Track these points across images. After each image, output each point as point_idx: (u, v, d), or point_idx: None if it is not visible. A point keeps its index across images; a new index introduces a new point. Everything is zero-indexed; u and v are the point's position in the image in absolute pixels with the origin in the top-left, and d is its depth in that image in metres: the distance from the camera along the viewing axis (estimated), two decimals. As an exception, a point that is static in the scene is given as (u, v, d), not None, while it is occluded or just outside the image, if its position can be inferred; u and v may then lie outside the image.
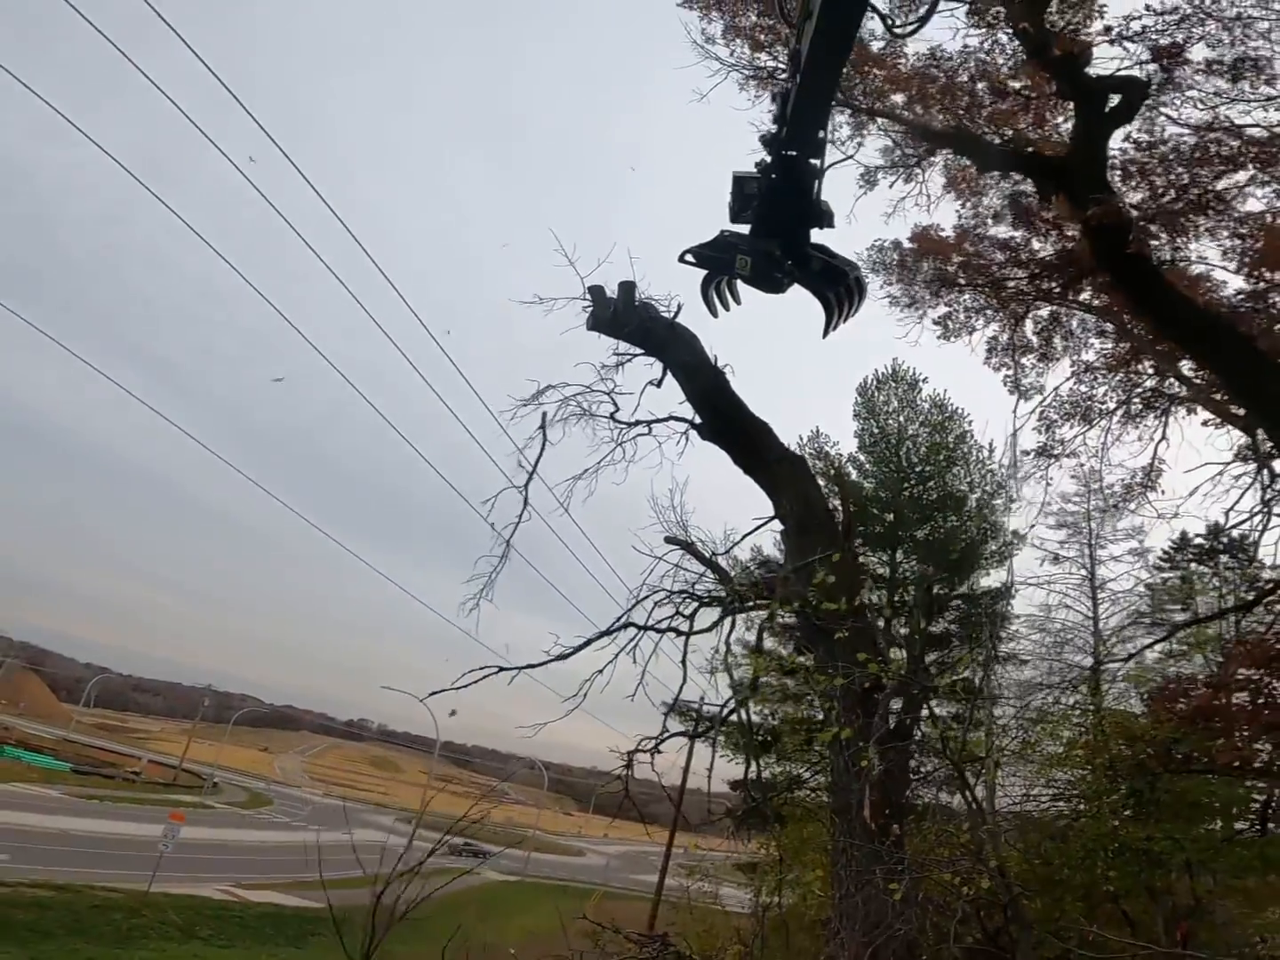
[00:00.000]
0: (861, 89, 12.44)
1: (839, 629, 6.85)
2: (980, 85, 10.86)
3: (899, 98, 12.31)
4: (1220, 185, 10.13)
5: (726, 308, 5.55)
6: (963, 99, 10.85)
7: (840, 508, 10.45)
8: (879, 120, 13.01)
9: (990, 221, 13.94)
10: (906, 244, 14.81)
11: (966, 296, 15.01)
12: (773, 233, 4.39)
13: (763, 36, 13.45)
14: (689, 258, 5.06)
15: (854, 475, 26.26)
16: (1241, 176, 9.71)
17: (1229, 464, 12.25)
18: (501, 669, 8.93)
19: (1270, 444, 10.59)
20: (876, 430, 26.52)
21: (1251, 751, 9.26)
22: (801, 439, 25.31)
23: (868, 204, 13.77)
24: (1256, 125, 10.00)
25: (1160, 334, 10.95)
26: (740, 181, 4.23)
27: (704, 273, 5.28)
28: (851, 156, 13.19)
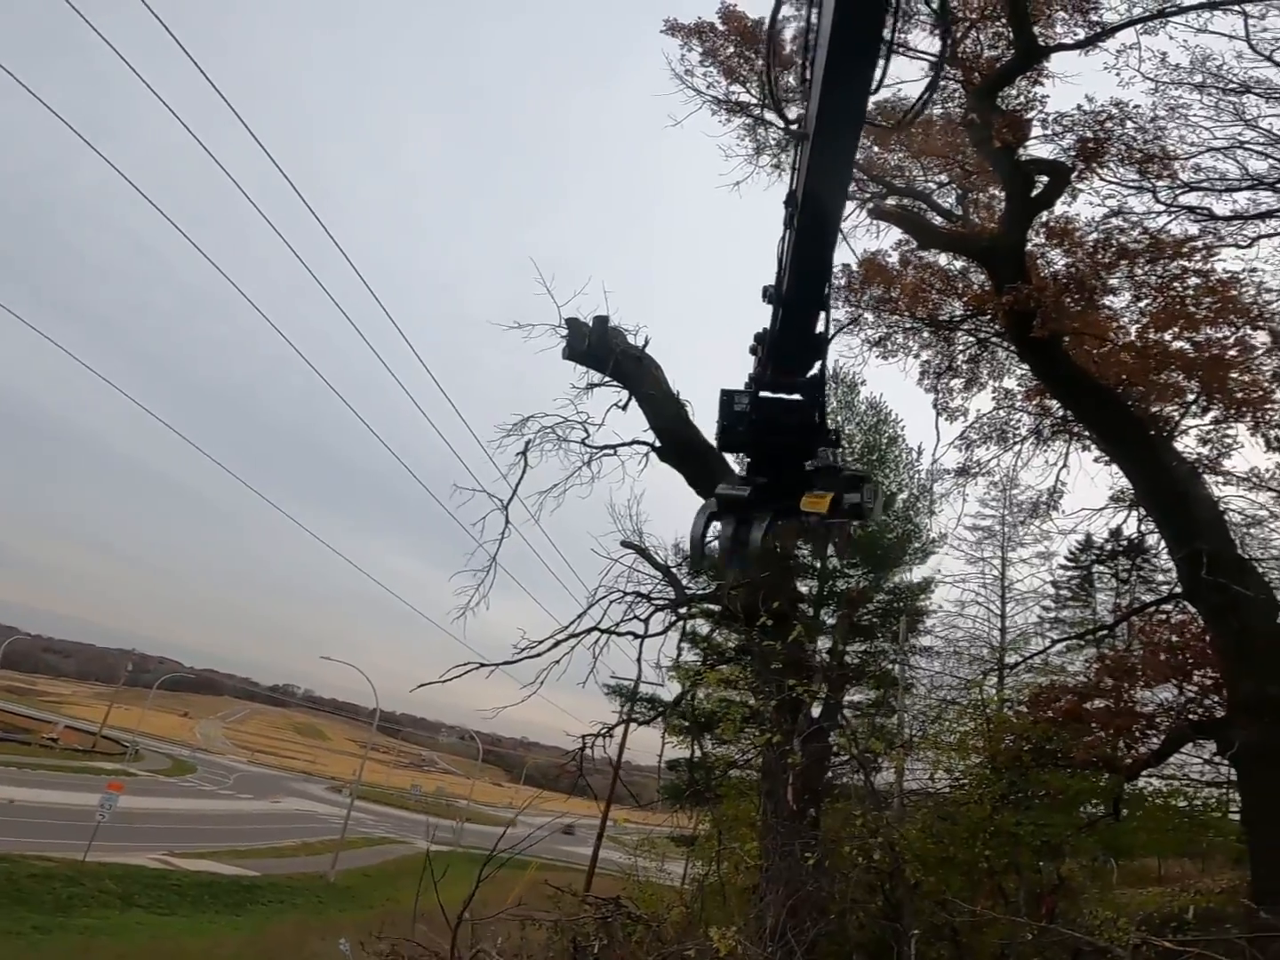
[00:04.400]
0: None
1: (774, 651, 8.10)
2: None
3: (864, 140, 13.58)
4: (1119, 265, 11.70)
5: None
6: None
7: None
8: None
9: (931, 253, 15.18)
10: (855, 268, 15.94)
11: (906, 322, 16.32)
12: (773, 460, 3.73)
13: (738, 67, 14.45)
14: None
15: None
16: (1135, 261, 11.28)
17: (1103, 508, 14.29)
18: (481, 664, 9.97)
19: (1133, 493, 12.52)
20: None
21: (1110, 750, 11.06)
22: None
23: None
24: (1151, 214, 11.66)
25: (1057, 399, 12.59)
26: (729, 397, 3.68)
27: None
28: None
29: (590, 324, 10.93)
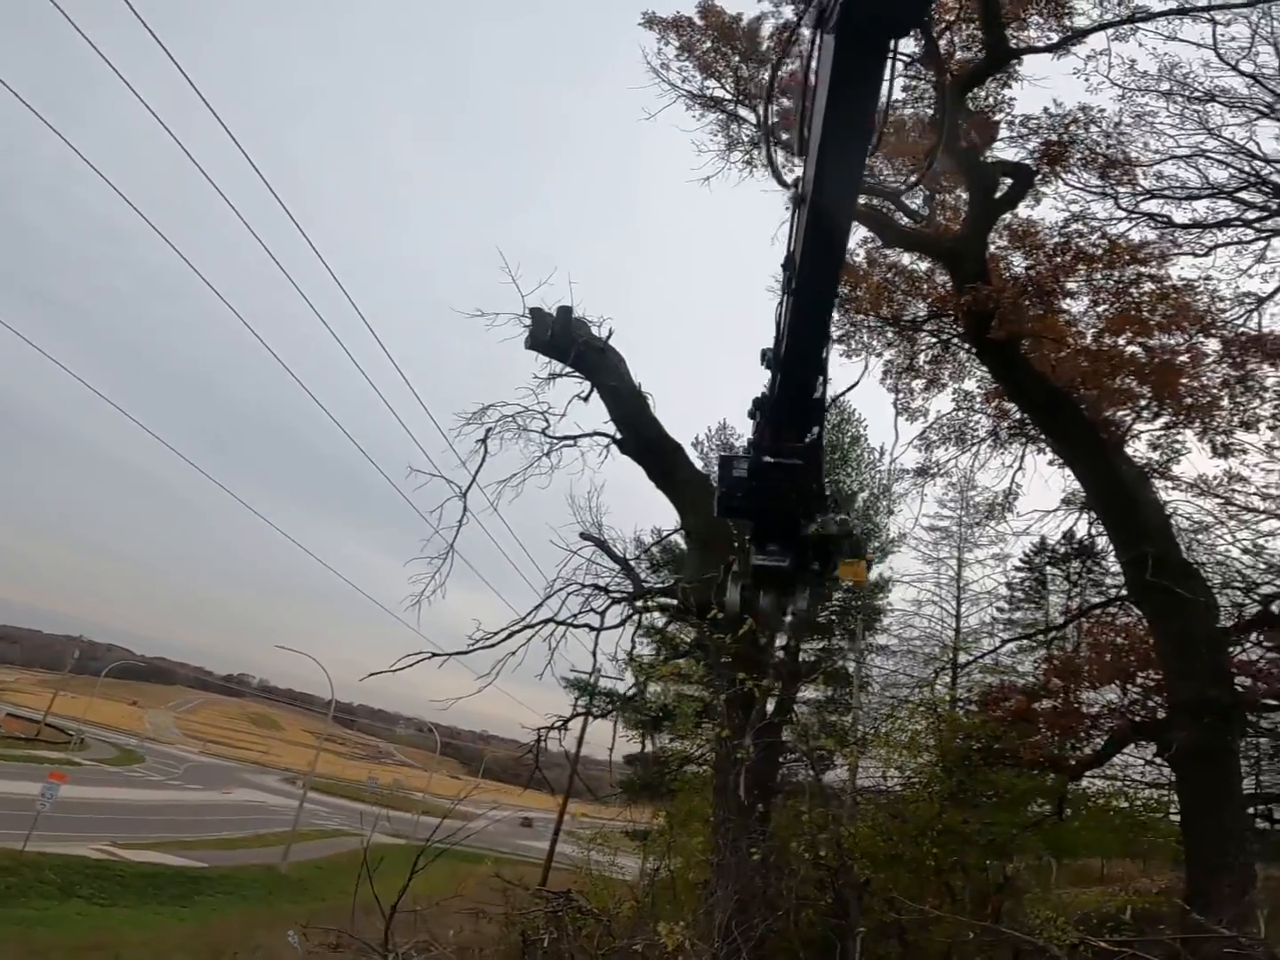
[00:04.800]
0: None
1: (725, 645, 8.08)
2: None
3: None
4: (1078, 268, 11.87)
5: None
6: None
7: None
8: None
9: (896, 252, 15.28)
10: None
11: (870, 321, 16.42)
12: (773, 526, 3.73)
13: (714, 63, 14.42)
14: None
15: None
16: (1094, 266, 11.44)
17: (1055, 510, 14.59)
18: (434, 654, 9.82)
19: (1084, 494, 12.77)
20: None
21: (1056, 750, 11.27)
22: (710, 429, 26.56)
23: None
24: (1112, 220, 11.84)
25: (1014, 401, 12.75)
26: (728, 463, 3.70)
27: None
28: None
29: (554, 315, 10.83)
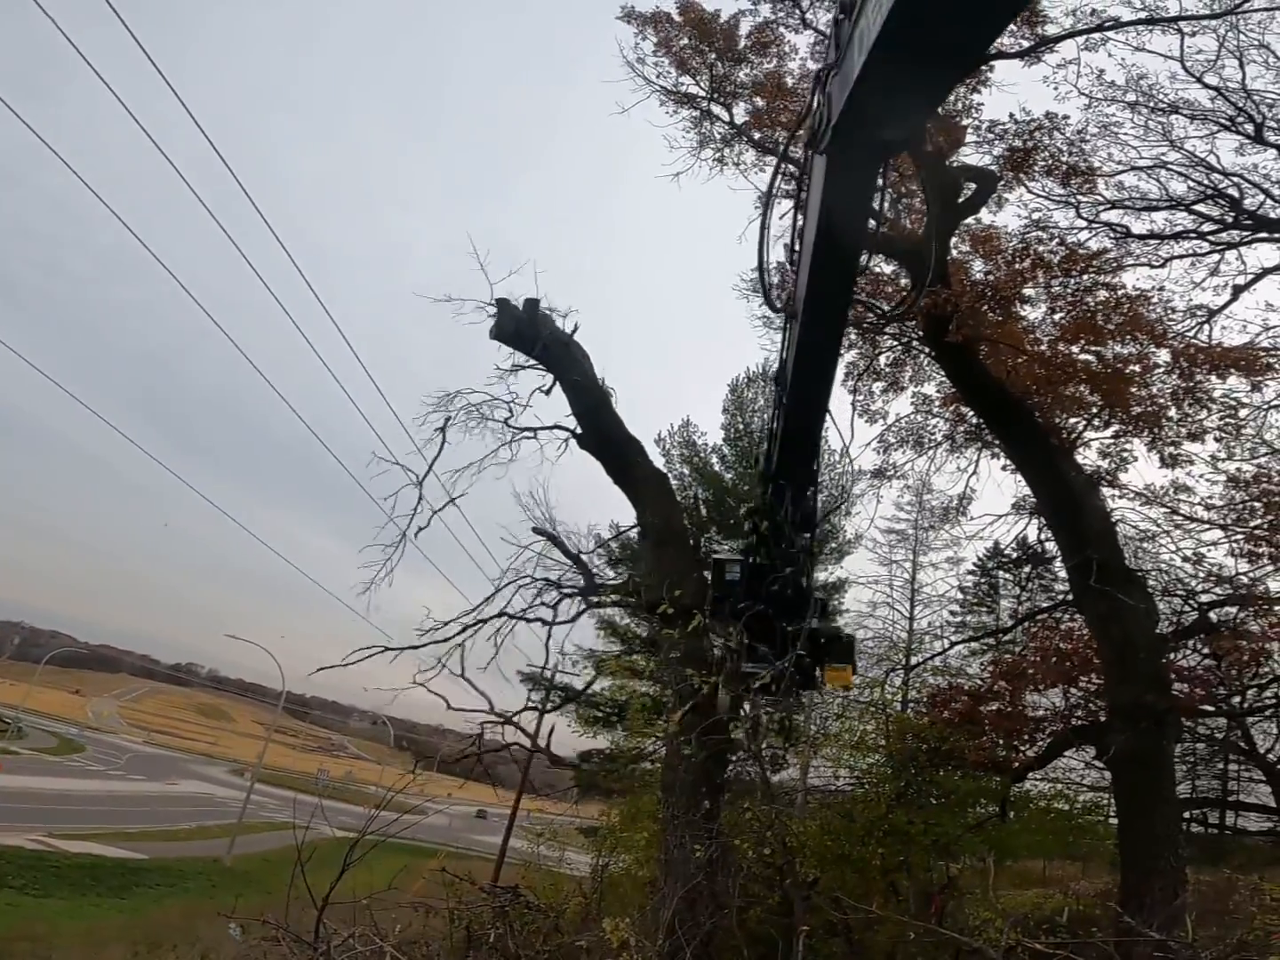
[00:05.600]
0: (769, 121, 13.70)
1: (674, 641, 8.04)
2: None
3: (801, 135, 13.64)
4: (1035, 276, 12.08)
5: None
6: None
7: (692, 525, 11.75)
8: (781, 158, 14.30)
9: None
10: (790, 267, 16.03)
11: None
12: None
13: (690, 59, 14.40)
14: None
15: (717, 466, 27.83)
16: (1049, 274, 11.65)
17: (1005, 514, 14.88)
18: (386, 648, 9.66)
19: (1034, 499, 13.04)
20: (742, 425, 28.13)
21: (1000, 752, 11.48)
22: (673, 426, 26.51)
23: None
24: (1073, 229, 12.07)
25: (969, 404, 12.96)
26: (721, 567, 3.75)
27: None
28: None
29: (521, 306, 10.71)
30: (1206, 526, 12.77)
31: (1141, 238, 12.57)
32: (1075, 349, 12.22)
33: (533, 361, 10.88)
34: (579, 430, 10.96)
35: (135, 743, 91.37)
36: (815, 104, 2.43)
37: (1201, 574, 12.54)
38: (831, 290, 2.58)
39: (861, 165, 2.30)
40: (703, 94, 14.67)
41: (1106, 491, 12.83)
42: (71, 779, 49.43)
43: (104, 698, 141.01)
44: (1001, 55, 11.59)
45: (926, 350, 17.01)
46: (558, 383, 10.85)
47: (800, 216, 2.60)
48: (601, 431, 10.68)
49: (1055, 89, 11.74)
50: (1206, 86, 11.41)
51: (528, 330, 10.47)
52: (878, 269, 15.28)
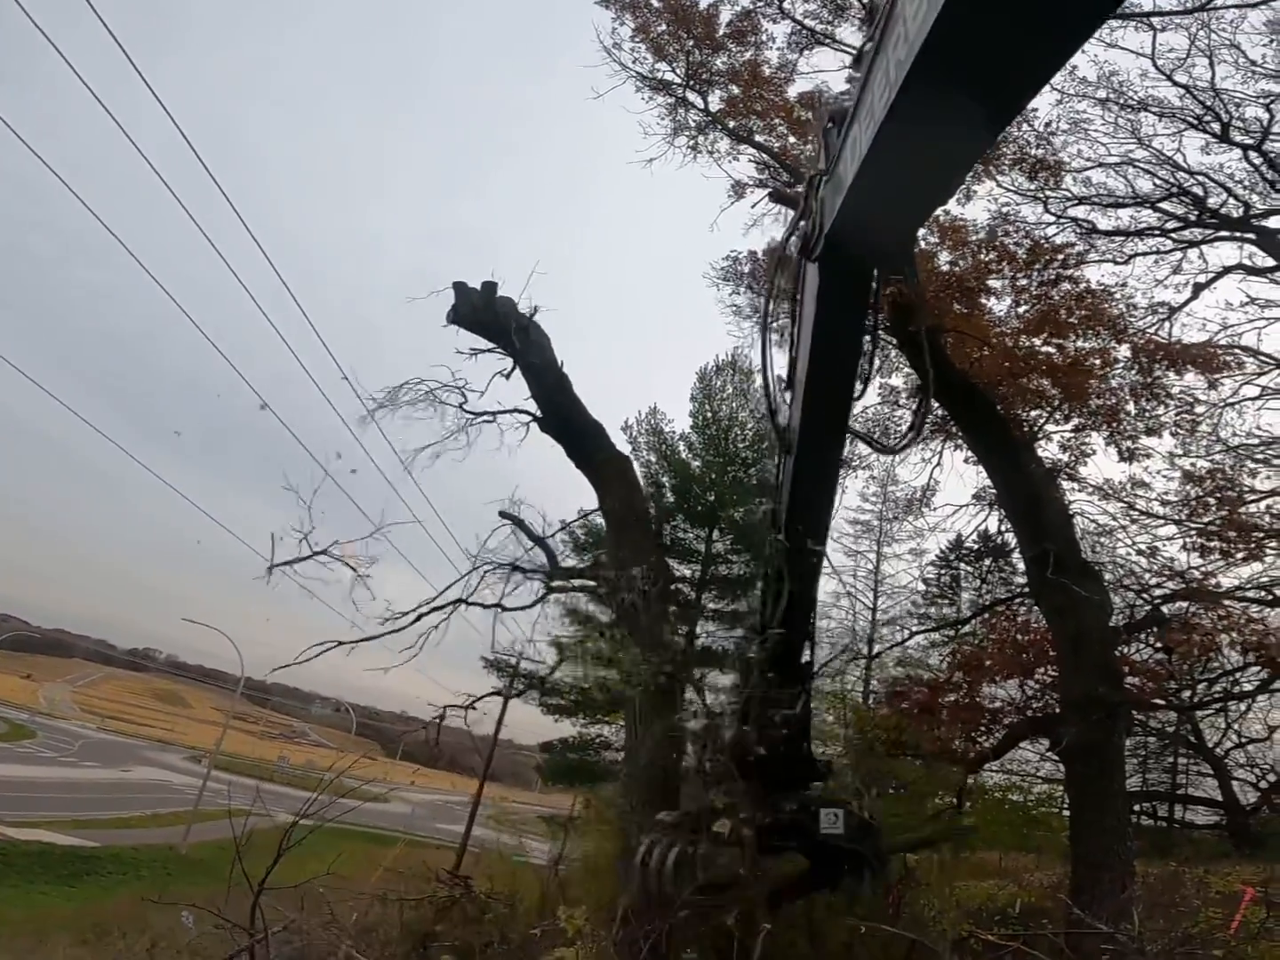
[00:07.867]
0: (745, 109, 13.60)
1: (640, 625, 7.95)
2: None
3: (780, 127, 13.59)
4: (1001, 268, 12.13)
5: None
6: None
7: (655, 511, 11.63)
8: (755, 146, 14.22)
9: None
10: (761, 257, 15.92)
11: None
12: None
13: (667, 45, 14.26)
14: None
15: (684, 453, 27.74)
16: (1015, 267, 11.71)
17: (965, 505, 15.02)
18: (341, 642, 9.45)
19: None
20: (710, 414, 28.02)
21: (957, 743, 11.57)
22: (640, 414, 26.31)
23: (734, 213, 14.80)
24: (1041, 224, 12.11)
25: (933, 395, 13.00)
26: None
27: None
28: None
29: (478, 290, 10.51)
30: (1162, 521, 12.98)
31: (1107, 234, 12.69)
32: (1038, 341, 12.31)
33: (492, 346, 10.70)
34: (539, 414, 10.81)
35: (89, 728, 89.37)
36: (810, 209, 2.44)
37: (1155, 568, 12.75)
38: (829, 410, 2.63)
39: (854, 274, 2.29)
40: (679, 80, 14.57)
41: (1066, 485, 12.96)
42: (22, 765, 48.15)
43: (57, 683, 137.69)
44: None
45: (892, 340, 17.08)
46: (517, 367, 10.67)
47: (795, 346, 2.65)
48: (562, 415, 10.54)
49: None
50: (1176, 84, 11.52)
51: (485, 314, 10.30)
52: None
